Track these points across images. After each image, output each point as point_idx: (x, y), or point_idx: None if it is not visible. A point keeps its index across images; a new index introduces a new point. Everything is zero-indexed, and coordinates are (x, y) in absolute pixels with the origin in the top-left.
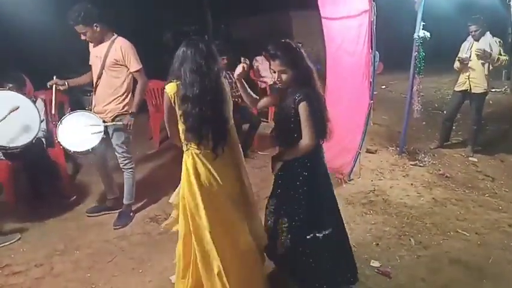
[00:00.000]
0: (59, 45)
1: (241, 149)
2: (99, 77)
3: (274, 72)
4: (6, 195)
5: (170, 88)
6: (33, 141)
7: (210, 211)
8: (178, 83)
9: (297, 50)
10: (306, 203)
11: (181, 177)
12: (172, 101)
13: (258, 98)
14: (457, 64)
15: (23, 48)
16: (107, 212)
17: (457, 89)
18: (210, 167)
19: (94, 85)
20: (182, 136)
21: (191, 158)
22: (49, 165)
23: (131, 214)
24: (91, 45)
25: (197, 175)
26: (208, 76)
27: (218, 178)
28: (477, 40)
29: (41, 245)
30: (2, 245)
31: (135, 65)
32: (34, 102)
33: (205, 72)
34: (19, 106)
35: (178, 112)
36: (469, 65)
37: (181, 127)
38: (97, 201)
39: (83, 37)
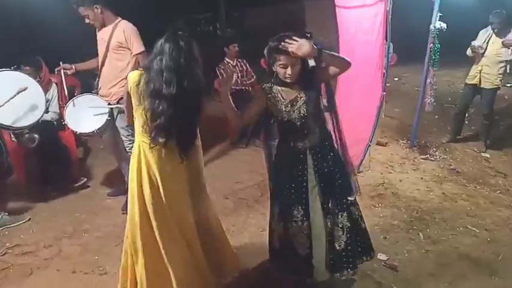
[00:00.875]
0: (74, 29)
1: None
2: (103, 60)
3: (285, 67)
4: (17, 177)
5: (132, 76)
6: (39, 121)
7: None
8: (142, 72)
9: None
10: None
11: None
12: (130, 90)
13: (239, 112)
14: (468, 51)
15: (39, 33)
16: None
17: (467, 82)
18: (158, 163)
19: (99, 68)
20: (140, 128)
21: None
22: (60, 148)
23: None
24: (97, 29)
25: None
26: (187, 78)
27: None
28: (498, 36)
29: (50, 227)
30: (12, 225)
31: (137, 47)
32: (50, 85)
33: (185, 74)
34: (27, 87)
35: (141, 105)
36: (482, 59)
37: (141, 119)
38: (107, 185)
39: (86, 20)
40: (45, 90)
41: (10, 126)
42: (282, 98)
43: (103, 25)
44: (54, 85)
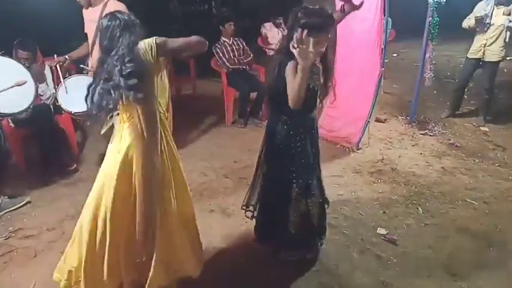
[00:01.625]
0: (65, 12)
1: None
2: (94, 41)
3: (320, 47)
4: (17, 161)
5: None
6: (30, 107)
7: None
8: None
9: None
10: None
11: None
12: None
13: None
14: (469, 23)
15: (29, 16)
16: None
17: (470, 56)
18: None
19: (90, 49)
20: None
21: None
22: (57, 131)
23: None
24: (84, 11)
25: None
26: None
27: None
28: (499, 5)
29: (52, 210)
30: (11, 208)
31: None
32: (43, 68)
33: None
34: (26, 81)
35: None
36: (487, 31)
37: None
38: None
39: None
40: (41, 73)
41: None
42: None
43: (90, 4)
44: (47, 67)
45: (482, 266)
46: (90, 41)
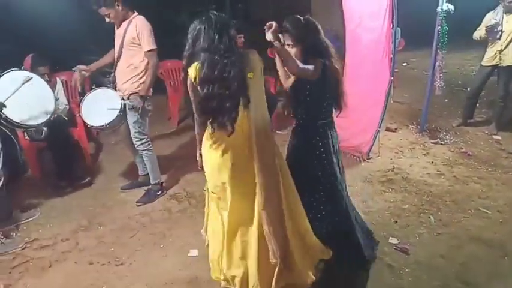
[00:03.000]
0: (76, 27)
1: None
2: (118, 56)
3: (288, 45)
4: (32, 173)
5: (190, 71)
6: (50, 119)
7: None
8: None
9: (306, 25)
10: None
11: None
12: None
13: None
14: (480, 33)
15: (40, 30)
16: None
17: (485, 64)
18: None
19: (115, 62)
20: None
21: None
22: (71, 144)
23: (158, 193)
24: (116, 26)
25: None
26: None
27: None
28: (508, 13)
29: (66, 221)
30: (25, 220)
31: (147, 44)
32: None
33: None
34: (32, 77)
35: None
36: (499, 39)
37: None
38: (120, 179)
39: (107, 19)
40: (53, 87)
41: (22, 124)
42: None
43: (122, 21)
44: (58, 80)
45: (497, 276)
46: (115, 54)
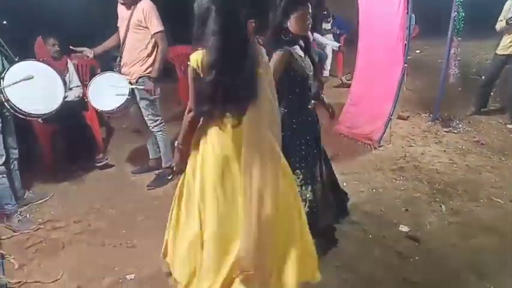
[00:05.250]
0: (87, 10)
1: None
2: (124, 39)
3: (304, 17)
4: (45, 157)
5: (193, 58)
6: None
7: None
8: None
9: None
10: None
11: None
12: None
13: None
14: (501, 24)
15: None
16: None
17: (499, 52)
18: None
19: (120, 47)
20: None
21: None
22: (83, 127)
23: (169, 177)
24: (119, 8)
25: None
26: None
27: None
28: None
29: (79, 203)
30: (38, 202)
31: (155, 26)
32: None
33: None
34: (33, 76)
35: None
36: None
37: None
38: (131, 163)
39: (120, 0)
40: (64, 69)
41: (37, 114)
42: (299, 55)
43: (132, 4)
44: (70, 63)
45: (508, 266)
46: (121, 39)
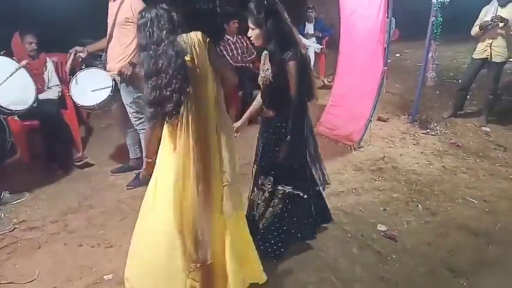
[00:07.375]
0: (68, 8)
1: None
2: (110, 35)
3: (251, 29)
4: (21, 155)
5: None
6: (34, 103)
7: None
8: None
9: (267, 7)
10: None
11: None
12: None
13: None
14: (475, 30)
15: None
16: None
17: (476, 56)
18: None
19: (106, 42)
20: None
21: None
22: (62, 126)
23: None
24: (110, 4)
25: None
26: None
27: None
28: (503, 6)
29: (56, 203)
30: (13, 202)
31: None
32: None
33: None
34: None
35: None
36: (492, 32)
37: None
38: (110, 163)
39: None
40: (41, 68)
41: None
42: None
43: None
44: (49, 61)
45: (482, 264)
46: (107, 33)
